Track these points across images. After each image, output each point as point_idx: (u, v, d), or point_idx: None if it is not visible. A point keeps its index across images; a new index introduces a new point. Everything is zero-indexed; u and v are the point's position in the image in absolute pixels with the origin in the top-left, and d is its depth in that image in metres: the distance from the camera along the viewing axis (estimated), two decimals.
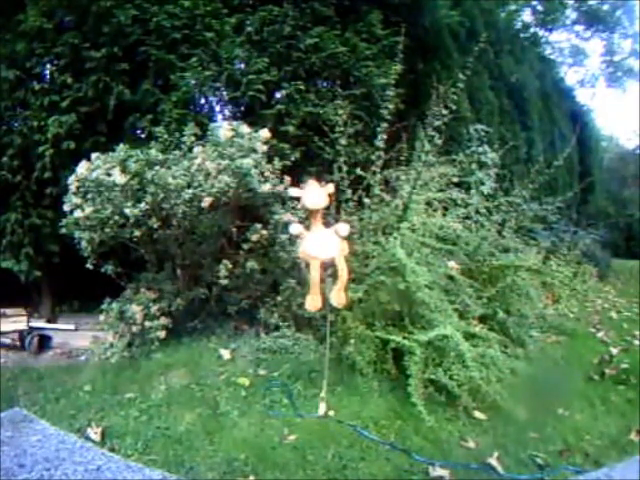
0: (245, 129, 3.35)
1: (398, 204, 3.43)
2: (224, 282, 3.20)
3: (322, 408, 2.47)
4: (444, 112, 3.53)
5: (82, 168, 3.12)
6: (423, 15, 4.98)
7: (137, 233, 3.13)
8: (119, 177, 3.02)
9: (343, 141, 3.56)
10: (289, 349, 3.12)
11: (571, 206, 6.16)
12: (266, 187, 3.28)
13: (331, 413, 2.44)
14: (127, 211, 3.02)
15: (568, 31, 14.39)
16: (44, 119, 3.77)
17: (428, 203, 3.54)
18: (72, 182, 3.13)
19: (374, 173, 3.56)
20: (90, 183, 3.10)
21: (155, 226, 3.13)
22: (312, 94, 4.16)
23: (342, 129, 3.60)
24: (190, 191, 3.08)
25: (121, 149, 3.21)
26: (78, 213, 3.09)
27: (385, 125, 3.53)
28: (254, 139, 3.33)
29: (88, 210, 3.07)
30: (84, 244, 3.14)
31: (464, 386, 2.49)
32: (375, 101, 4.02)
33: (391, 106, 3.59)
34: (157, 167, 3.12)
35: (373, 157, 3.56)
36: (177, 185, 3.05)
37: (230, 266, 3.24)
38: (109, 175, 3.05)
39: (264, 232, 3.37)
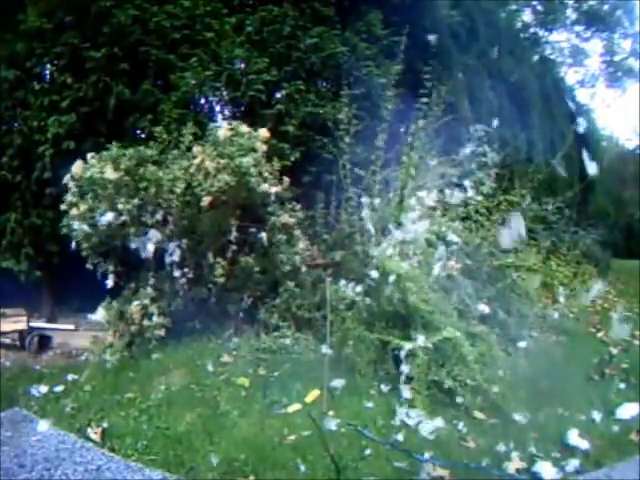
0: (244, 128, 3.36)
1: (397, 205, 3.44)
2: (220, 280, 3.21)
3: (310, 397, 2.50)
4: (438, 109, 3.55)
5: (77, 168, 3.14)
6: (423, 15, 4.98)
7: (132, 230, 3.13)
8: (111, 173, 3.04)
9: (347, 139, 3.57)
10: (289, 349, 3.13)
11: (571, 206, 6.15)
12: (265, 186, 3.28)
13: (331, 413, 2.44)
14: (120, 206, 3.03)
15: (568, 31, 14.37)
16: (44, 119, 3.77)
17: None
18: (68, 181, 3.16)
19: (374, 173, 3.56)
20: (85, 182, 3.12)
21: (150, 223, 3.13)
22: (312, 94, 4.17)
23: (347, 127, 3.60)
24: (182, 185, 3.09)
25: (114, 147, 3.23)
26: (73, 211, 3.11)
27: (385, 125, 3.54)
28: (253, 138, 3.34)
29: (83, 208, 3.08)
30: (77, 239, 3.15)
31: (467, 387, 2.49)
32: (375, 101, 4.02)
33: (391, 106, 3.60)
34: (149, 165, 3.14)
35: (373, 157, 3.57)
36: (170, 179, 3.06)
37: (226, 265, 3.25)
38: (101, 172, 3.07)
39: (263, 233, 3.37)
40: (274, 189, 3.35)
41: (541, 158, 6.22)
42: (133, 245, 3.19)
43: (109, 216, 3.07)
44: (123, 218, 3.10)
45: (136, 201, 3.09)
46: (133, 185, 3.14)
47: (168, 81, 3.97)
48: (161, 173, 3.08)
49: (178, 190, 3.07)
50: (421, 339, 2.61)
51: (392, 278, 2.82)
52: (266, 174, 3.37)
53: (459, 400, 2.49)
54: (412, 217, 3.20)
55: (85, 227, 3.12)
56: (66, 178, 3.17)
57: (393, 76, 3.92)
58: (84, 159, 3.20)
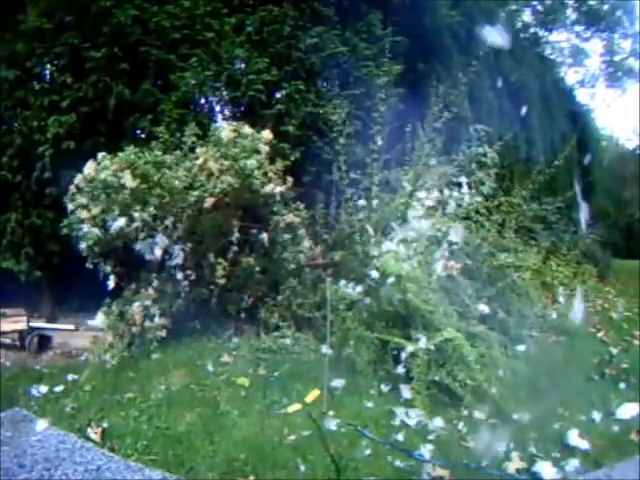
0: (248, 130, 3.35)
1: (398, 204, 3.44)
2: (222, 281, 3.21)
3: (310, 397, 2.51)
4: (444, 112, 3.55)
5: (89, 169, 3.11)
6: (423, 15, 4.98)
7: (142, 235, 3.13)
8: (130, 181, 3.01)
9: (342, 140, 3.57)
10: (289, 349, 3.12)
11: (571, 206, 6.15)
12: (269, 188, 3.28)
13: (331, 413, 2.44)
14: (136, 215, 3.02)
15: (568, 31, 14.38)
16: (44, 119, 3.77)
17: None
18: (79, 181, 3.12)
19: (371, 175, 3.57)
20: (98, 184, 3.10)
21: (159, 228, 3.14)
22: (312, 94, 4.17)
23: (340, 128, 3.61)
24: (195, 193, 3.08)
25: (131, 151, 3.19)
26: (84, 214, 3.08)
27: (384, 125, 3.54)
28: (257, 140, 3.33)
29: (95, 210, 3.07)
30: (88, 243, 3.13)
31: (467, 387, 2.50)
32: (375, 101, 4.03)
33: (390, 106, 3.60)
34: (163, 169, 3.13)
35: (373, 157, 3.57)
36: (182, 186, 3.06)
37: (227, 265, 3.25)
38: (116, 176, 3.05)
39: (264, 234, 3.37)
40: (278, 189, 3.35)
41: (541, 158, 6.22)
42: (138, 247, 3.18)
43: (121, 221, 3.06)
44: (136, 224, 3.08)
45: (152, 209, 3.07)
46: (148, 192, 3.12)
47: (168, 81, 3.97)
48: (177, 182, 3.07)
49: (192, 199, 3.07)
50: (422, 341, 2.62)
51: (392, 279, 2.83)
52: (270, 174, 3.37)
53: (460, 400, 2.50)
54: (416, 214, 3.21)
55: (96, 231, 3.09)
56: (77, 178, 3.13)
57: (393, 76, 3.92)
58: (88, 159, 3.17)
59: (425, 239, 3.20)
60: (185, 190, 3.10)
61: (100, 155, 3.18)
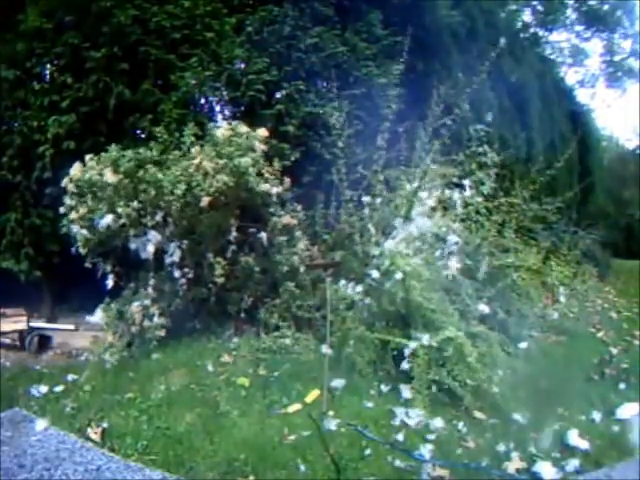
0: (243, 128, 3.35)
1: (399, 204, 3.44)
2: (220, 281, 3.21)
3: (310, 397, 2.52)
4: (445, 113, 3.55)
5: (75, 170, 3.13)
6: (423, 15, 4.97)
7: (132, 232, 3.13)
8: (111, 177, 3.03)
9: (340, 143, 3.58)
10: (289, 349, 3.12)
11: (571, 206, 6.15)
12: (264, 186, 3.28)
13: (331, 413, 2.44)
14: (120, 210, 3.03)
15: (568, 31, 14.39)
16: (44, 119, 3.77)
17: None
18: (66, 184, 3.15)
19: (375, 172, 3.57)
20: (83, 184, 3.11)
21: (150, 225, 3.13)
22: (312, 94, 4.17)
23: (339, 132, 3.61)
24: (183, 187, 3.08)
25: (113, 149, 3.22)
26: (72, 215, 3.10)
27: (385, 125, 3.54)
28: (252, 138, 3.33)
29: (82, 211, 3.08)
30: (79, 244, 3.15)
31: (467, 387, 2.50)
32: (375, 101, 4.02)
33: (391, 106, 3.60)
34: (149, 166, 3.13)
35: (374, 157, 3.57)
36: (170, 181, 3.06)
37: (226, 265, 3.25)
38: (101, 175, 3.06)
39: (263, 233, 3.38)
40: (275, 189, 3.35)
41: (541, 158, 6.22)
42: (133, 246, 3.19)
43: (108, 219, 3.06)
44: (122, 221, 3.09)
45: (135, 204, 3.08)
46: (132, 188, 3.12)
47: (168, 81, 3.96)
48: (161, 175, 3.08)
49: (179, 192, 3.07)
50: (425, 337, 2.62)
51: (399, 275, 2.82)
52: (267, 174, 3.37)
53: (460, 400, 2.50)
54: (420, 212, 3.22)
55: (84, 231, 3.11)
56: (64, 181, 3.16)
57: (394, 76, 3.92)
58: (83, 161, 3.19)
59: (429, 237, 3.20)
60: (171, 184, 3.09)
61: (87, 157, 3.20)
